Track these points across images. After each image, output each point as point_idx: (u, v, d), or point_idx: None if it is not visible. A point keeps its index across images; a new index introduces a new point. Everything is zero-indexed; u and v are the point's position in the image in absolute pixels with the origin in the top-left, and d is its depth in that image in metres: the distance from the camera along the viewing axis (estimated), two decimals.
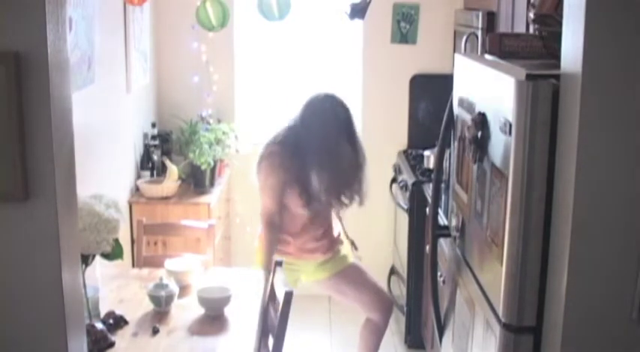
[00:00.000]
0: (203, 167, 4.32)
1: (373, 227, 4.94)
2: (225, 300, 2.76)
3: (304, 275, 3.51)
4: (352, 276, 3.54)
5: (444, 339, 2.75)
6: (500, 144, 1.98)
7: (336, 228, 3.58)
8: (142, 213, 4.00)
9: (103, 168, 3.64)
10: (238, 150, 4.61)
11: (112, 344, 2.46)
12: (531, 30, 2.50)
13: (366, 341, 3.67)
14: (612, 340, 1.74)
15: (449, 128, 2.66)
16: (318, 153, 3.30)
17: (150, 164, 4.35)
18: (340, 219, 3.61)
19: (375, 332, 3.64)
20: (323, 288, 3.62)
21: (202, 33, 4.45)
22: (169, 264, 3.06)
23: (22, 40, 1.35)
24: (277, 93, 4.92)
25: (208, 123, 4.56)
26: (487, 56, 2.37)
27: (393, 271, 4.80)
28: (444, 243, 3.14)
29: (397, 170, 4.59)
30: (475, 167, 2.26)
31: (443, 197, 3.17)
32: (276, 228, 3.39)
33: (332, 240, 3.52)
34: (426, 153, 4.24)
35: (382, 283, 4.23)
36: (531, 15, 2.22)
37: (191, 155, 4.37)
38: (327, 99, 3.37)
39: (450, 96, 2.66)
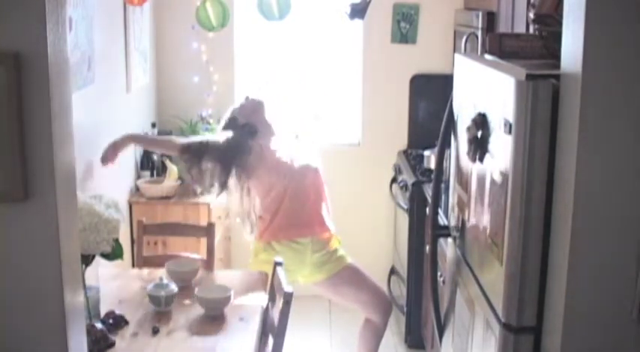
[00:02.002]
0: None
1: (373, 227, 4.94)
2: (225, 300, 2.76)
3: (301, 277, 3.51)
4: (350, 277, 3.54)
5: (444, 339, 2.75)
6: (500, 144, 1.98)
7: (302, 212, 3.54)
8: (142, 213, 4.00)
9: (103, 168, 3.64)
10: None
11: (112, 344, 2.46)
12: (531, 30, 2.50)
13: (365, 342, 3.67)
14: (612, 340, 1.74)
15: (449, 128, 2.66)
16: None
17: (150, 164, 4.35)
18: (321, 201, 3.58)
19: (375, 333, 3.64)
20: (321, 290, 3.62)
21: (202, 33, 4.45)
22: (169, 264, 3.06)
23: (22, 40, 1.35)
24: (277, 93, 4.91)
25: (208, 123, 4.56)
26: (487, 56, 2.36)
27: (393, 271, 4.80)
28: (444, 243, 3.14)
29: (397, 170, 4.59)
30: (475, 167, 2.26)
31: (443, 197, 3.17)
32: (176, 147, 3.53)
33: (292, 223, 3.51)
34: (426, 153, 4.24)
35: (382, 283, 4.23)
36: (531, 15, 2.22)
37: None
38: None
39: (450, 96, 2.65)
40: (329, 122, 5.00)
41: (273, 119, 3.61)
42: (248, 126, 3.52)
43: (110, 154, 3.48)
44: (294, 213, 3.47)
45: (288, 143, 3.61)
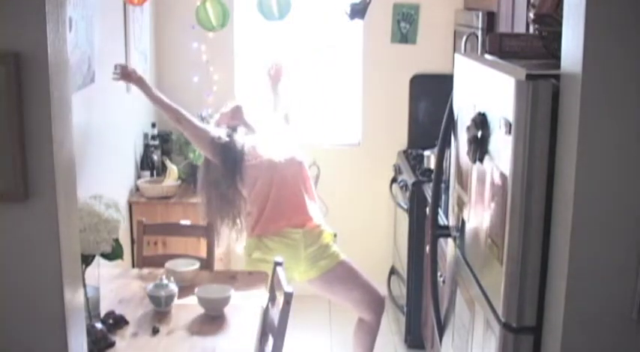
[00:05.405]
0: None
1: (373, 227, 4.94)
2: (225, 300, 2.76)
3: (297, 274, 3.52)
4: (343, 274, 3.54)
5: (444, 339, 2.75)
6: (500, 144, 1.98)
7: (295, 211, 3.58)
8: (142, 213, 4.01)
9: (103, 168, 3.64)
10: None
11: (112, 344, 2.46)
12: (531, 30, 2.50)
13: (360, 342, 3.67)
14: (612, 340, 1.74)
15: (449, 128, 2.66)
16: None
17: (150, 164, 4.35)
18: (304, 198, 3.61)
19: (369, 332, 3.64)
20: (316, 288, 3.61)
21: (202, 33, 4.45)
22: (169, 264, 3.06)
23: (22, 40, 1.35)
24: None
25: (208, 123, 4.55)
26: (487, 56, 2.36)
27: (393, 271, 4.80)
28: (444, 243, 3.14)
29: (397, 170, 4.59)
30: (475, 167, 2.26)
31: (443, 197, 3.17)
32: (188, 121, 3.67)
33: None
34: (426, 153, 4.23)
35: (382, 283, 4.23)
36: (531, 15, 2.22)
37: (191, 155, 4.38)
38: None
39: (450, 96, 2.65)
40: (329, 122, 5.00)
41: (253, 119, 3.78)
42: (229, 128, 3.70)
43: (126, 74, 3.56)
44: (283, 203, 3.51)
45: (272, 139, 3.70)
